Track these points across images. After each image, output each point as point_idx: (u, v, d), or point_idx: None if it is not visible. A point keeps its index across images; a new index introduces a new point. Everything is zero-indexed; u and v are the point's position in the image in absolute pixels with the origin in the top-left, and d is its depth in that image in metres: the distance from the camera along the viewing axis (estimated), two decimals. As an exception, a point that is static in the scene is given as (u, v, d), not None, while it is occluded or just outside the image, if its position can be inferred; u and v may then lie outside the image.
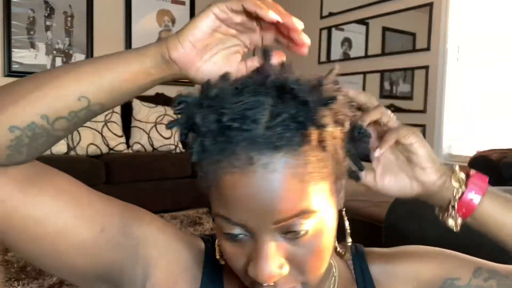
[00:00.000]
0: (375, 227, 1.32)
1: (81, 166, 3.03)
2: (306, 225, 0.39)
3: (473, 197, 0.48)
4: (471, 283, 0.51)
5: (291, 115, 0.37)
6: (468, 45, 2.99)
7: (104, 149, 3.39)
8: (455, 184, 0.49)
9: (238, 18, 0.41)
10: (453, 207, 0.49)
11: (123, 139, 3.52)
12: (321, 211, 0.40)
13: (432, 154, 0.48)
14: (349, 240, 0.48)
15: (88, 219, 0.46)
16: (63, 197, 0.44)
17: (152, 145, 3.62)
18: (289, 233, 0.39)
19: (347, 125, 0.43)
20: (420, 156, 0.47)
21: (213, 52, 0.44)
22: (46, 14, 3.67)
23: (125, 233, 0.48)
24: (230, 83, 0.40)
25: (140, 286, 0.49)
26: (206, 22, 0.41)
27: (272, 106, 0.37)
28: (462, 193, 0.48)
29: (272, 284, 0.40)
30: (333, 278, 0.52)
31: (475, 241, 0.92)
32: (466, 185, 0.49)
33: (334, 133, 0.40)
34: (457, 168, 0.50)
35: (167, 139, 3.68)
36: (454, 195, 0.49)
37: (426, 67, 3.17)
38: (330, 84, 0.41)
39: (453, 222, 0.49)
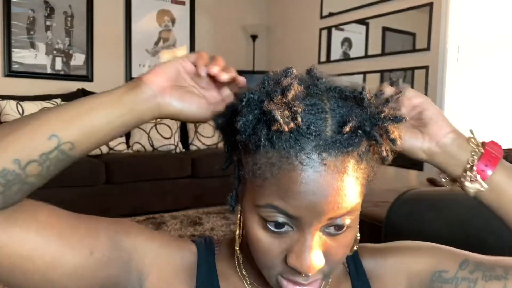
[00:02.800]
0: (375, 227, 1.32)
1: (81, 166, 3.03)
2: (348, 221, 0.42)
3: (492, 158, 0.49)
4: (458, 275, 0.53)
5: (359, 123, 0.40)
6: (468, 45, 2.99)
7: (104, 149, 3.39)
8: (472, 145, 0.50)
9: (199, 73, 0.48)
10: (471, 168, 0.49)
11: (123, 139, 3.52)
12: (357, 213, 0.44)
13: (443, 114, 0.51)
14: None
15: (75, 246, 0.46)
16: (46, 230, 0.44)
17: (152, 145, 3.62)
18: (331, 227, 0.42)
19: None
20: (431, 112, 0.50)
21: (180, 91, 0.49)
22: (46, 14, 3.68)
23: (115, 248, 0.49)
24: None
25: None
26: (171, 69, 0.48)
27: (331, 110, 0.41)
28: (481, 154, 0.49)
29: (310, 275, 0.42)
30: None
31: (475, 240, 0.92)
32: (483, 147, 0.50)
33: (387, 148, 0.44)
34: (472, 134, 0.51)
35: (167, 139, 3.68)
36: (472, 154, 0.49)
37: (426, 67, 3.17)
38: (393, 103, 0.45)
39: (472, 185, 0.49)
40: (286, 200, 0.40)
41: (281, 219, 0.41)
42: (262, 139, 0.40)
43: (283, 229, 0.42)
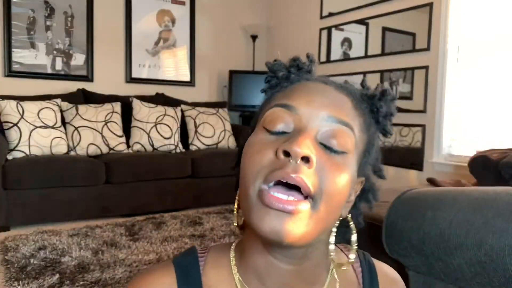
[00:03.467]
0: (375, 227, 1.32)
1: (81, 166, 3.03)
2: (340, 147, 0.45)
3: None
4: None
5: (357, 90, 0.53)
6: (468, 45, 2.99)
7: (104, 149, 3.39)
8: None
9: None
10: None
11: (123, 139, 3.52)
12: (352, 152, 0.47)
13: None
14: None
15: None
16: None
17: (152, 145, 3.62)
18: (325, 142, 0.45)
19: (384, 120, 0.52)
20: None
21: None
22: (46, 14, 3.68)
23: None
24: None
25: None
26: None
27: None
28: None
29: (299, 162, 0.42)
30: (332, 276, 0.53)
31: (475, 240, 0.92)
32: None
33: (375, 113, 0.51)
34: None
35: (167, 139, 3.68)
36: None
37: (426, 67, 3.17)
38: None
39: None
40: (290, 97, 0.48)
41: (282, 123, 0.46)
42: (281, 73, 0.53)
43: (281, 131, 0.46)
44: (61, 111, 3.36)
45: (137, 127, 3.62)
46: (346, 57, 3.89)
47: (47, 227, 2.80)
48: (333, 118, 0.45)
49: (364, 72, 3.67)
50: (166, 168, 3.35)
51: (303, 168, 0.42)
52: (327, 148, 0.44)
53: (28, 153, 3.04)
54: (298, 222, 0.42)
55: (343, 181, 0.44)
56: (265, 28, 4.77)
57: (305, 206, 0.42)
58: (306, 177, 0.42)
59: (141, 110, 3.66)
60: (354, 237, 0.52)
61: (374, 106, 0.50)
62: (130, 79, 4.13)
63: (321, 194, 0.43)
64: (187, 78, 4.46)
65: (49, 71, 3.72)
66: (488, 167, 1.96)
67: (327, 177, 0.43)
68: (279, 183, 0.43)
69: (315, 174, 0.43)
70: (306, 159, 0.42)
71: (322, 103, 0.46)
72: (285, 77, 0.53)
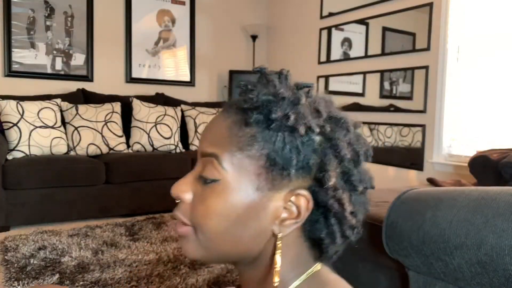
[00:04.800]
0: (375, 227, 1.32)
1: (81, 166, 3.03)
2: (212, 175, 0.48)
3: None
4: None
5: (237, 102, 0.51)
6: (468, 45, 2.99)
7: (104, 149, 3.39)
8: None
9: None
10: None
11: (123, 139, 3.52)
12: (225, 177, 0.47)
13: None
14: (275, 280, 0.47)
15: None
16: None
17: (152, 145, 3.62)
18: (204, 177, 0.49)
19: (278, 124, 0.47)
20: None
21: None
22: (46, 14, 3.68)
23: None
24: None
25: None
26: None
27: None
28: None
29: (178, 200, 0.51)
30: None
31: (475, 240, 0.92)
32: None
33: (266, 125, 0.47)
34: None
35: (167, 139, 3.68)
36: None
37: (426, 67, 3.17)
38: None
39: None
40: None
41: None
42: None
43: None
44: (61, 111, 3.36)
45: (137, 127, 3.62)
46: (346, 57, 3.89)
47: (47, 227, 2.80)
48: (202, 152, 0.50)
49: (364, 72, 3.67)
50: (166, 168, 3.35)
51: (181, 205, 0.50)
52: (205, 181, 0.49)
53: (28, 153, 3.04)
54: (188, 244, 0.50)
55: (213, 208, 0.47)
56: (265, 28, 4.77)
57: (186, 230, 0.50)
58: (183, 212, 0.50)
59: (141, 110, 3.66)
60: (277, 258, 0.47)
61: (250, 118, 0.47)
62: (130, 79, 4.13)
63: (196, 224, 0.49)
64: (187, 78, 4.46)
65: (49, 71, 3.72)
66: (488, 167, 1.96)
67: (197, 210, 0.49)
68: None
69: (190, 208, 0.50)
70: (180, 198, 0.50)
71: (201, 140, 0.51)
72: None
